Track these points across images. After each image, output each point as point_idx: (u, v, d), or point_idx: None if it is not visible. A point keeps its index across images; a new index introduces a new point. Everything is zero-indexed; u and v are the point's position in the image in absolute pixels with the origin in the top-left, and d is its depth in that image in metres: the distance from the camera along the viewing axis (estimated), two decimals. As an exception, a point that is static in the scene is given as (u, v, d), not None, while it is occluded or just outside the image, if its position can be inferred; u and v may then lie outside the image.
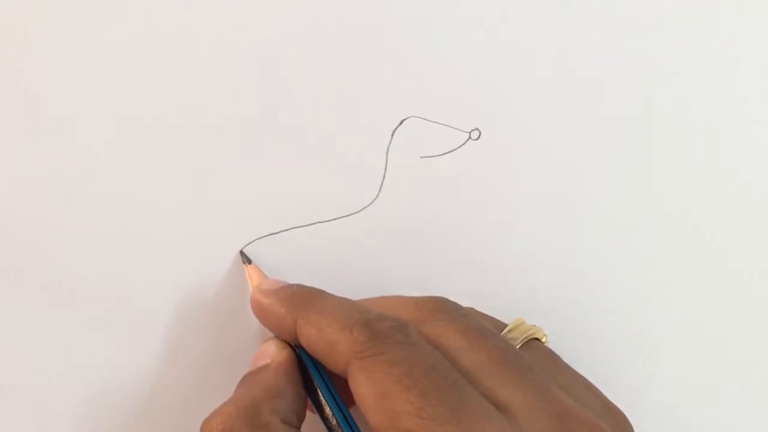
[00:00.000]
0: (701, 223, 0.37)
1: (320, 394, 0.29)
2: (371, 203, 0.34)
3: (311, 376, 0.29)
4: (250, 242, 0.33)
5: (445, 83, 0.35)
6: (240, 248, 0.33)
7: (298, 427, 0.28)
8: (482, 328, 0.28)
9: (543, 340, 0.31)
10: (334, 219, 0.34)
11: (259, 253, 0.33)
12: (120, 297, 0.33)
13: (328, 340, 0.27)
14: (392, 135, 0.34)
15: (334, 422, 0.28)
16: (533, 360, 0.28)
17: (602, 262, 0.36)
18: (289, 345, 0.30)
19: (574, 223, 0.36)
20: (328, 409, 0.28)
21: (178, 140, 0.33)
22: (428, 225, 0.35)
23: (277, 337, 0.31)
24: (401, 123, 0.34)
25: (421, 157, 0.34)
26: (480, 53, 0.35)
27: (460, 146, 0.35)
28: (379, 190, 0.34)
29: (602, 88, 0.36)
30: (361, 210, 0.34)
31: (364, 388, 0.26)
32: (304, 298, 0.30)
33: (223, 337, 0.33)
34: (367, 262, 0.34)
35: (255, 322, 0.33)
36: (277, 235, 0.34)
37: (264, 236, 0.34)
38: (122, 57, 0.33)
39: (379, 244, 0.34)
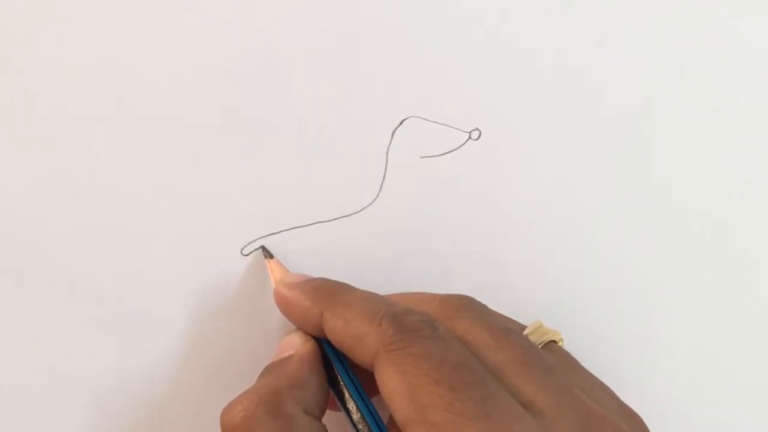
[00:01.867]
0: (703, 222, 0.36)
1: (344, 387, 0.29)
2: (371, 203, 0.34)
3: (335, 370, 0.29)
4: (250, 242, 0.33)
5: (445, 83, 0.35)
6: (240, 248, 0.33)
7: (320, 419, 0.28)
8: (507, 328, 0.28)
9: (560, 343, 0.31)
10: (334, 219, 0.34)
11: (259, 253, 0.33)
12: (120, 297, 0.33)
13: (354, 333, 0.27)
14: (392, 135, 0.34)
15: (357, 416, 0.28)
16: (553, 361, 0.29)
17: (603, 262, 0.36)
18: (313, 337, 0.30)
19: (575, 223, 0.36)
20: (351, 403, 0.28)
21: (179, 140, 0.33)
22: (428, 225, 0.35)
23: (300, 329, 0.31)
24: (401, 123, 0.34)
25: (421, 157, 0.34)
26: (480, 53, 0.35)
27: (460, 146, 0.35)
28: (379, 190, 0.34)
29: (602, 88, 0.36)
30: (361, 210, 0.34)
31: (391, 380, 0.25)
32: (329, 290, 0.30)
33: (225, 336, 0.33)
34: (367, 262, 0.34)
35: (259, 321, 0.33)
36: (277, 235, 0.34)
37: (264, 236, 0.34)
38: (122, 57, 0.33)
39: (379, 244, 0.34)
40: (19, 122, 0.32)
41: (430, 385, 0.25)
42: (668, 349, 0.36)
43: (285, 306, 0.31)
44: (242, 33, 0.33)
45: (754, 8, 0.37)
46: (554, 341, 0.31)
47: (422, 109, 0.34)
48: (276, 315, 0.33)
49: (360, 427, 0.28)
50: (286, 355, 0.30)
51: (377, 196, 0.34)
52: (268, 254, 0.33)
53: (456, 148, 0.35)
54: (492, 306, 0.32)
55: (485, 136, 0.35)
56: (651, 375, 0.36)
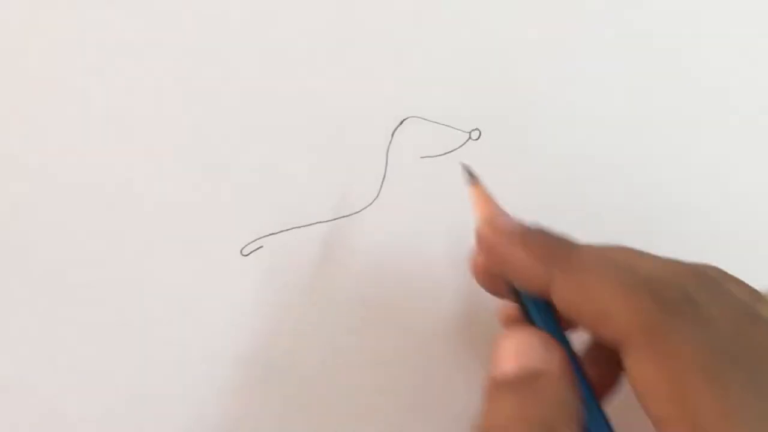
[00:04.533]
0: (702, 220, 0.36)
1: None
2: (371, 203, 0.34)
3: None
4: (250, 242, 0.33)
5: (445, 83, 0.35)
6: (240, 248, 0.33)
7: None
8: (761, 314, 0.23)
9: None
10: (334, 219, 0.34)
11: (259, 253, 0.33)
12: (119, 297, 0.33)
13: (600, 307, 0.23)
14: (392, 135, 0.34)
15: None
16: None
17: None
18: (558, 344, 0.24)
19: (574, 223, 0.36)
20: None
21: (179, 141, 0.33)
22: (428, 225, 0.35)
23: (525, 327, 0.25)
24: (401, 123, 0.34)
25: (421, 157, 0.34)
26: (480, 53, 0.35)
27: (460, 146, 0.35)
28: (379, 190, 0.34)
29: (602, 87, 0.36)
30: (361, 210, 0.34)
31: (649, 372, 0.22)
32: (558, 246, 0.25)
33: (224, 337, 0.33)
34: (367, 262, 0.34)
35: (258, 321, 0.33)
36: (277, 235, 0.34)
37: (264, 236, 0.34)
38: (122, 56, 0.33)
39: (379, 244, 0.34)
40: (20, 121, 0.32)
41: (701, 384, 0.21)
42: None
43: (495, 255, 0.26)
44: (243, 34, 0.34)
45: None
46: None
47: (422, 109, 0.34)
48: (275, 316, 0.34)
49: None
50: (530, 368, 0.24)
51: (377, 196, 0.34)
52: (471, 177, 0.28)
53: (456, 148, 0.35)
54: (490, 307, 0.32)
55: (485, 136, 0.35)
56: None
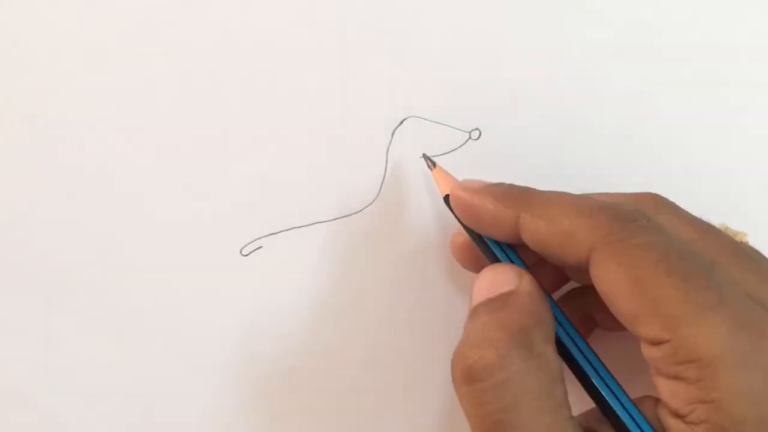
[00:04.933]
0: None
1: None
2: (371, 203, 0.34)
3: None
4: (250, 242, 0.34)
5: (445, 83, 0.35)
6: (240, 248, 0.33)
7: None
8: (707, 223, 0.27)
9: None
10: (334, 219, 0.34)
11: (259, 253, 0.34)
12: (118, 297, 0.33)
13: (563, 231, 0.26)
14: (392, 135, 0.34)
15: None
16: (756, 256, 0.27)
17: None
18: (526, 271, 0.27)
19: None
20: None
21: (179, 141, 0.33)
22: (428, 225, 0.35)
23: (497, 262, 0.28)
24: (401, 123, 0.34)
25: (421, 157, 0.34)
26: (480, 53, 0.35)
27: (460, 146, 0.35)
28: (379, 190, 0.34)
29: (601, 87, 0.36)
30: (361, 210, 0.34)
31: (613, 274, 0.24)
32: (521, 192, 0.28)
33: (224, 336, 0.34)
34: (367, 261, 0.34)
35: (258, 321, 0.33)
36: (277, 235, 0.34)
37: (264, 236, 0.34)
38: (124, 55, 0.33)
39: (379, 243, 0.34)
40: (20, 122, 0.33)
41: (661, 276, 0.23)
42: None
43: (469, 211, 0.29)
44: (243, 34, 0.34)
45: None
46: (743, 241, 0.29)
47: (422, 109, 0.34)
48: (274, 316, 0.34)
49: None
50: (504, 290, 0.26)
51: (377, 196, 0.34)
52: (431, 163, 0.33)
53: (456, 148, 0.35)
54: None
55: (485, 136, 0.35)
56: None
